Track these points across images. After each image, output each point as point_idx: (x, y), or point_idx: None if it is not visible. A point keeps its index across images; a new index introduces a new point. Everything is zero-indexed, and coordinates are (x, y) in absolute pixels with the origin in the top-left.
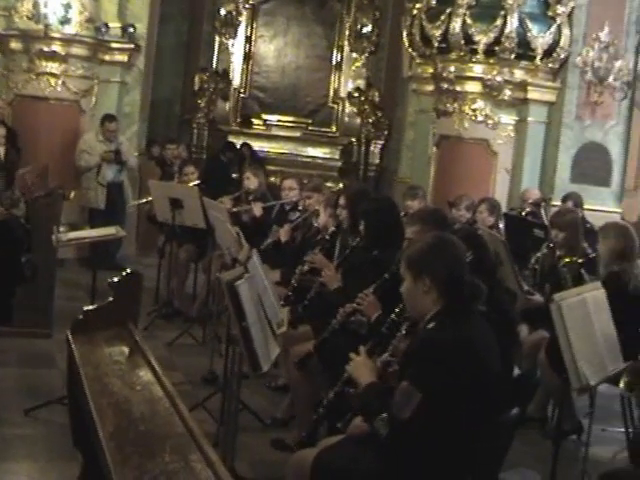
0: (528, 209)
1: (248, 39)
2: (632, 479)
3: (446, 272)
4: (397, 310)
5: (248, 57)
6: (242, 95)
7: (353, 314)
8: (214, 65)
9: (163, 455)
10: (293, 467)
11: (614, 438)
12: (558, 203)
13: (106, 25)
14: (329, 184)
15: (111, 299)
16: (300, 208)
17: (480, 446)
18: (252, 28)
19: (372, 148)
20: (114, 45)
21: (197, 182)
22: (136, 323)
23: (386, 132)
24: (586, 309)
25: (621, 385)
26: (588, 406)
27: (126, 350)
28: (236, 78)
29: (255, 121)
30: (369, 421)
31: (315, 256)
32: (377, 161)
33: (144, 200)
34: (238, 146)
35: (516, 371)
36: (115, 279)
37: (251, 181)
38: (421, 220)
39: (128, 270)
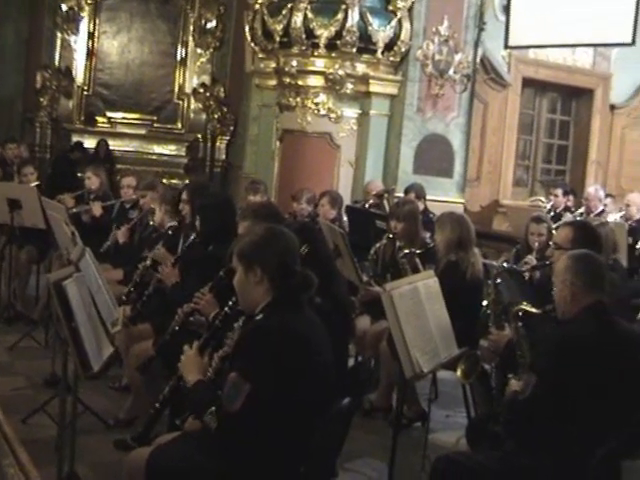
0: (371, 201)
1: (91, 35)
2: (467, 462)
3: (277, 262)
4: (230, 303)
5: (91, 54)
6: (86, 93)
7: (192, 314)
8: (56, 62)
9: None
10: (128, 466)
11: (458, 423)
12: (401, 195)
13: None
14: (175, 181)
15: None
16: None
17: (314, 436)
18: (95, 24)
19: (218, 144)
20: None
21: (37, 183)
22: None
23: (232, 128)
24: (418, 298)
25: (458, 374)
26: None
27: None
28: (79, 75)
29: (99, 119)
30: (199, 417)
31: (158, 250)
32: (223, 157)
33: None
34: (89, 144)
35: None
36: None
37: (92, 181)
38: (253, 215)
39: None
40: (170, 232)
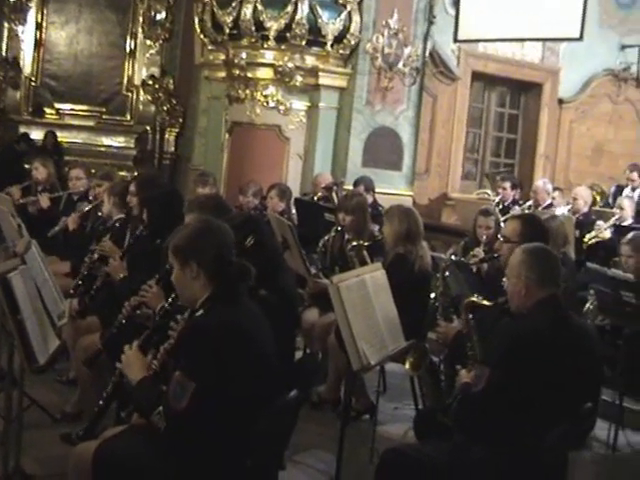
0: (320, 194)
1: (39, 26)
2: (415, 454)
3: (212, 255)
4: (170, 300)
5: (39, 44)
6: (33, 84)
7: (139, 307)
8: (3, 52)
9: None
10: (74, 460)
11: (406, 415)
12: (350, 187)
13: None
14: (124, 173)
15: None
16: (90, 198)
17: (260, 429)
18: (42, 14)
19: (167, 136)
20: None
21: None
22: None
23: (181, 120)
24: (365, 290)
25: (406, 366)
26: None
27: None
28: (27, 66)
29: (47, 110)
30: (146, 417)
31: (104, 243)
32: (172, 149)
33: None
34: (37, 136)
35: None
36: None
37: (39, 172)
38: (199, 207)
39: None
40: (117, 224)
